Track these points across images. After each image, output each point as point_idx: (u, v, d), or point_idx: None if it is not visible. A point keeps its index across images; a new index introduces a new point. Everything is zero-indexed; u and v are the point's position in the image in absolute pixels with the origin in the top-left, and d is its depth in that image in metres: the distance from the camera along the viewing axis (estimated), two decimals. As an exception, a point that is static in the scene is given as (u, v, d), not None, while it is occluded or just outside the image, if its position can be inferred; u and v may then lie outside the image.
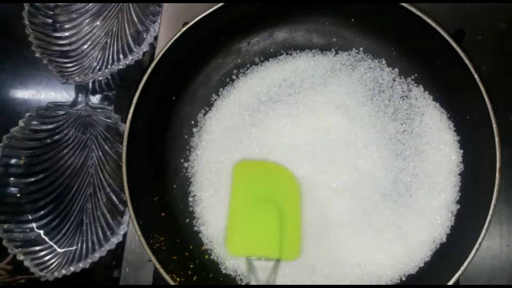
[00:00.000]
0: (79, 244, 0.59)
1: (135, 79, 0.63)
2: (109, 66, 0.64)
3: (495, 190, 0.46)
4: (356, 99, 0.55)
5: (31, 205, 0.60)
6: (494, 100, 0.48)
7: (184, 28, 0.53)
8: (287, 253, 0.50)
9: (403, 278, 0.50)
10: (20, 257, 0.56)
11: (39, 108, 0.63)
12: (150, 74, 0.52)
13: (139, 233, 0.49)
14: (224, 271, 0.53)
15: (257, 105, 0.57)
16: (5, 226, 0.57)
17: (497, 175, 0.46)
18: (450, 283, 0.46)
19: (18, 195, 0.60)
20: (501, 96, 0.51)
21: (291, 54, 0.58)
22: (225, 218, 0.54)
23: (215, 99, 0.58)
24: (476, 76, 0.48)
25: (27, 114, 0.62)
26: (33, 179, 0.61)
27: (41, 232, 0.59)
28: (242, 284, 0.52)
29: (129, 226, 0.57)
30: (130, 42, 0.65)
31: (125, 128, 0.51)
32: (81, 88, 0.65)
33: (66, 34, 0.67)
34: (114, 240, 0.57)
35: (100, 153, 0.62)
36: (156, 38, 0.63)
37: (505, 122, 0.56)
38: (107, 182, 0.61)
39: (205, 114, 0.58)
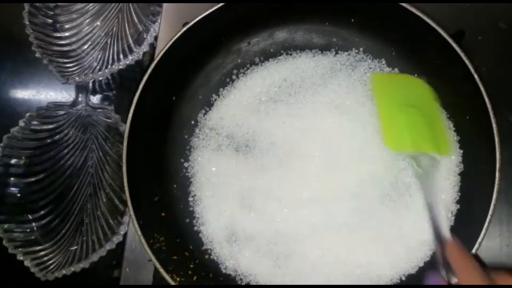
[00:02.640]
0: (79, 244, 0.59)
1: (135, 79, 0.63)
2: (109, 66, 0.64)
3: (495, 190, 0.46)
4: (356, 99, 0.55)
5: (31, 205, 0.60)
6: (494, 100, 0.48)
7: (184, 28, 0.53)
8: (441, 149, 0.51)
9: (403, 278, 0.50)
10: (20, 257, 0.56)
11: (39, 108, 0.63)
12: (150, 74, 0.52)
13: (139, 233, 0.49)
14: (224, 271, 0.53)
15: (257, 105, 0.57)
16: (5, 226, 0.57)
17: (497, 175, 0.46)
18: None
19: (18, 195, 0.60)
20: (501, 96, 0.51)
21: (291, 54, 0.58)
22: (225, 218, 0.54)
23: (215, 99, 0.58)
24: (476, 76, 0.48)
25: (27, 114, 0.62)
26: (33, 179, 0.61)
27: (41, 232, 0.59)
28: (242, 284, 0.53)
29: (129, 226, 0.57)
30: (130, 42, 0.65)
31: (125, 128, 0.51)
32: (81, 88, 0.65)
33: (66, 34, 0.67)
34: (114, 240, 0.57)
35: (100, 153, 0.62)
36: (156, 38, 0.63)
37: (505, 122, 0.56)
38: (107, 182, 0.61)
39: (205, 114, 0.58)
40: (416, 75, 0.56)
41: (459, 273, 0.41)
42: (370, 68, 0.57)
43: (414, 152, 0.50)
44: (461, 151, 0.53)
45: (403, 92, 0.54)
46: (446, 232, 0.45)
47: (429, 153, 0.50)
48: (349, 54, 0.57)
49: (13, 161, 0.61)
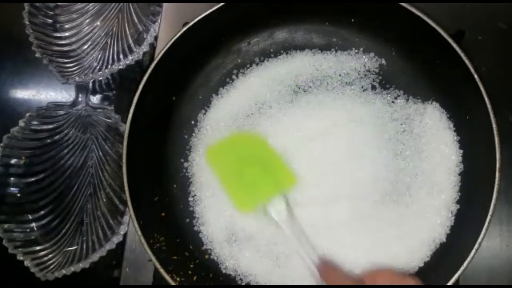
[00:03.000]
0: (79, 244, 0.59)
1: (135, 79, 0.63)
2: (109, 66, 0.64)
3: (495, 190, 0.46)
4: (356, 99, 0.55)
5: (31, 205, 0.60)
6: (494, 100, 0.48)
7: (184, 28, 0.53)
8: (285, 184, 0.53)
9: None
10: (20, 257, 0.56)
11: (39, 108, 0.63)
12: (150, 74, 0.52)
13: (139, 233, 0.49)
14: (224, 271, 0.53)
15: (256, 105, 0.57)
16: (5, 226, 0.57)
17: (497, 175, 0.46)
18: (450, 283, 0.46)
19: (18, 195, 0.60)
20: (501, 96, 0.51)
21: (291, 54, 0.58)
22: (225, 218, 0.54)
23: (215, 99, 0.58)
24: (476, 76, 0.48)
25: (27, 114, 0.62)
26: (33, 179, 0.61)
27: (41, 232, 0.59)
28: (242, 284, 0.53)
29: (129, 226, 0.57)
30: (130, 42, 0.65)
31: (125, 128, 0.51)
32: (81, 88, 0.65)
33: (66, 34, 0.67)
34: (114, 240, 0.57)
35: (100, 153, 0.62)
36: (156, 38, 0.63)
37: (505, 122, 0.56)
38: (107, 182, 0.61)
39: (205, 114, 0.58)
40: (415, 74, 0.56)
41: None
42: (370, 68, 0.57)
43: (265, 203, 0.52)
44: (461, 151, 0.53)
45: (232, 155, 0.55)
46: (314, 257, 0.49)
47: (277, 195, 0.52)
48: (349, 54, 0.57)
49: (13, 161, 0.61)
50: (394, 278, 0.43)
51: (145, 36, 0.64)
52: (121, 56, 0.65)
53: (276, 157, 0.54)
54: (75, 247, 0.59)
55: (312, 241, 0.51)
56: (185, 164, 0.57)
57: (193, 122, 0.58)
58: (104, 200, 0.60)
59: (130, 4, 0.67)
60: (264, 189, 0.52)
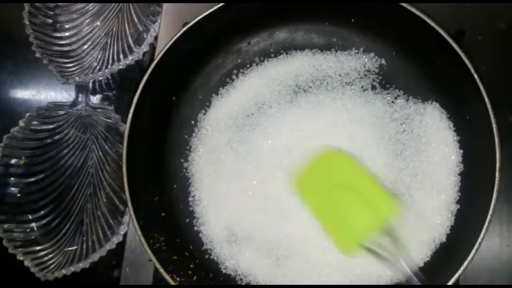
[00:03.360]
0: (79, 244, 0.59)
1: (135, 79, 0.63)
2: (109, 66, 0.64)
3: (495, 190, 0.46)
4: (356, 99, 0.55)
5: (31, 205, 0.60)
6: (494, 100, 0.48)
7: (184, 28, 0.53)
8: (386, 213, 0.47)
9: (403, 278, 0.50)
10: (20, 257, 0.56)
11: (39, 108, 0.63)
12: (150, 74, 0.52)
13: (139, 233, 0.49)
14: (224, 271, 0.53)
15: (256, 105, 0.57)
16: (5, 226, 0.57)
17: (497, 175, 0.46)
18: (450, 283, 0.46)
19: (18, 195, 0.60)
20: (501, 96, 0.51)
21: (291, 54, 0.58)
22: (225, 218, 0.54)
23: (215, 99, 0.58)
24: (476, 76, 0.48)
25: (27, 114, 0.62)
26: (33, 179, 0.61)
27: (41, 232, 0.59)
28: (242, 284, 0.53)
29: (129, 226, 0.57)
30: (130, 42, 0.65)
31: (125, 128, 0.51)
32: (81, 88, 0.65)
33: (66, 34, 0.67)
34: (114, 240, 0.57)
35: (100, 153, 0.62)
36: (156, 38, 0.63)
37: (505, 122, 0.56)
38: (107, 182, 0.61)
39: (205, 114, 0.58)
40: (415, 74, 0.56)
41: None
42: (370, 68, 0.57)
43: (371, 242, 0.47)
44: (461, 151, 0.52)
45: (324, 178, 0.50)
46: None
47: (378, 229, 0.47)
48: (349, 54, 0.57)
49: (13, 161, 0.61)
50: None
51: (145, 36, 0.64)
52: (121, 56, 0.65)
53: (369, 177, 0.49)
54: (75, 247, 0.59)
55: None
56: (185, 164, 0.57)
57: (193, 122, 0.58)
58: (104, 200, 0.60)
59: (130, 4, 0.67)
60: (364, 223, 0.47)
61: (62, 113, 0.64)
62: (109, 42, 0.66)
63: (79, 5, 0.68)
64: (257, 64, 0.59)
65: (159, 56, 0.52)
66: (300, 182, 0.52)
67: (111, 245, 0.57)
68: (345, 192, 0.49)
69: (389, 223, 0.48)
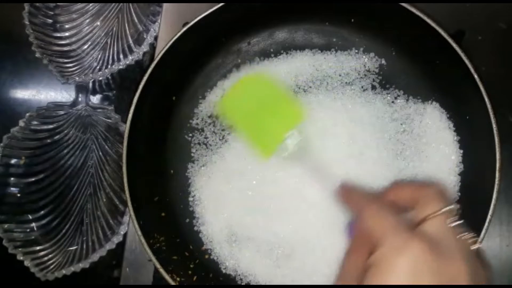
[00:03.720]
0: (79, 244, 0.59)
1: (135, 79, 0.63)
2: (109, 66, 0.64)
3: (495, 190, 0.46)
4: (356, 99, 0.55)
5: (31, 205, 0.60)
6: (494, 100, 0.48)
7: (184, 28, 0.53)
8: (296, 120, 0.52)
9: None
10: (20, 257, 0.56)
11: (39, 108, 0.63)
12: (150, 74, 0.52)
13: (139, 233, 0.49)
14: (224, 271, 0.53)
15: (257, 105, 0.57)
16: (5, 226, 0.57)
17: (497, 175, 0.46)
18: (450, 283, 0.46)
19: (18, 195, 0.60)
20: (501, 96, 0.51)
21: (291, 54, 0.58)
22: (225, 218, 0.54)
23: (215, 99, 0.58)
24: (476, 76, 0.48)
25: (27, 114, 0.62)
26: (33, 179, 0.61)
27: (41, 232, 0.59)
28: (242, 284, 0.53)
29: (129, 226, 0.57)
30: (130, 42, 0.65)
31: (125, 128, 0.51)
32: (81, 88, 0.65)
33: (66, 34, 0.67)
34: (114, 240, 0.57)
35: (100, 153, 0.62)
36: (156, 38, 0.63)
37: (505, 122, 0.56)
38: (107, 182, 0.61)
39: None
40: (415, 74, 0.56)
41: (359, 211, 0.42)
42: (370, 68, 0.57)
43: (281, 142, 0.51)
44: (461, 151, 0.52)
45: (243, 101, 0.54)
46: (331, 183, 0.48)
47: (290, 131, 0.51)
48: (349, 54, 0.57)
49: (13, 161, 0.61)
50: (416, 189, 0.41)
51: (145, 36, 0.64)
52: (121, 56, 0.65)
53: (283, 95, 0.54)
54: (75, 247, 0.59)
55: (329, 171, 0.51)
56: (185, 164, 0.57)
57: (193, 122, 0.58)
58: (104, 200, 0.60)
59: (130, 4, 0.67)
60: (280, 129, 0.52)
61: (62, 113, 0.64)
62: (109, 42, 0.66)
63: (79, 5, 0.68)
64: (257, 64, 0.58)
65: (159, 56, 0.52)
66: (224, 104, 0.56)
67: (111, 245, 0.57)
68: (262, 107, 0.53)
69: (297, 127, 0.52)
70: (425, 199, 0.39)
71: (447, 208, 0.38)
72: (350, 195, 0.46)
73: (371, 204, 0.41)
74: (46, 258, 0.57)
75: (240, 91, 0.55)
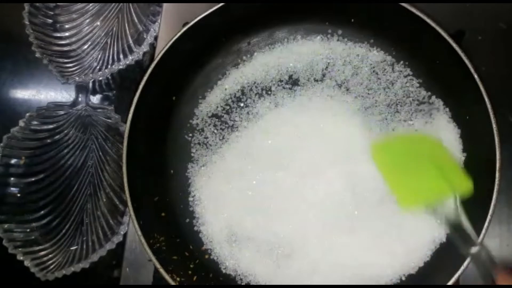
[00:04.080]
0: (79, 244, 0.59)
1: (135, 79, 0.63)
2: (109, 66, 0.64)
3: (495, 190, 0.46)
4: (357, 99, 0.55)
5: (31, 205, 0.60)
6: (494, 100, 0.48)
7: (184, 28, 0.53)
8: (458, 188, 0.48)
9: (403, 278, 0.50)
10: (20, 257, 0.56)
11: (39, 108, 0.63)
12: (150, 74, 0.52)
13: (139, 233, 0.49)
14: (224, 271, 0.53)
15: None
16: (5, 226, 0.57)
17: (497, 175, 0.46)
18: (450, 283, 0.46)
19: (18, 195, 0.60)
20: (501, 96, 0.51)
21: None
22: (225, 218, 0.54)
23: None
24: (476, 76, 0.48)
25: (27, 114, 0.62)
26: (33, 179, 0.61)
27: (41, 232, 0.59)
28: (242, 284, 0.53)
29: (129, 226, 0.57)
30: (130, 42, 0.65)
31: (125, 128, 0.51)
32: (81, 88, 0.65)
33: (66, 34, 0.67)
34: (114, 240, 0.57)
35: (100, 153, 0.62)
36: (156, 38, 0.63)
37: (505, 122, 0.56)
38: (107, 182, 0.61)
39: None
40: (416, 74, 0.56)
41: None
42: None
43: (431, 205, 0.48)
44: (462, 151, 0.52)
45: (400, 152, 0.52)
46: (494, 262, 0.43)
47: (444, 198, 0.47)
48: (348, 55, 0.57)
49: (13, 161, 0.61)
50: None
51: (145, 36, 0.64)
52: (121, 56, 0.65)
53: (449, 159, 0.50)
54: (75, 247, 0.59)
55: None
56: (185, 164, 0.57)
57: (193, 122, 0.58)
58: (104, 200, 0.60)
59: (130, 4, 0.67)
60: (432, 187, 0.48)
61: (62, 113, 0.64)
62: (109, 42, 0.66)
63: (79, 5, 0.68)
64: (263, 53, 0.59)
65: (159, 56, 0.52)
66: (377, 148, 0.52)
67: (111, 245, 0.57)
68: (421, 160, 0.50)
69: (456, 197, 0.47)
70: None
71: None
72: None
73: None
74: (46, 258, 0.57)
75: (399, 142, 0.52)
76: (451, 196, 0.47)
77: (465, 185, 0.48)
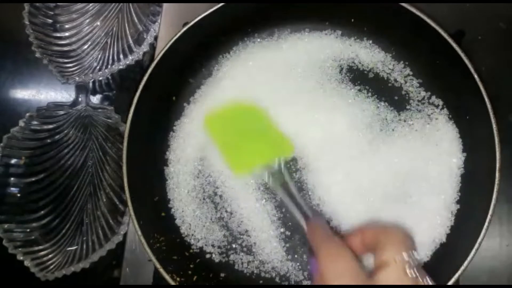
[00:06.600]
0: (79, 244, 0.59)
1: (135, 79, 0.63)
2: (109, 66, 0.64)
3: (495, 190, 0.46)
4: (357, 100, 0.55)
5: (31, 205, 0.60)
6: (494, 100, 0.48)
7: (184, 28, 0.53)
8: (283, 152, 0.53)
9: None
10: (20, 257, 0.56)
11: (39, 108, 0.63)
12: (150, 74, 0.52)
13: (139, 233, 0.49)
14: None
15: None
16: (5, 226, 0.57)
17: (497, 175, 0.46)
18: (450, 283, 0.46)
19: (18, 195, 0.60)
20: (501, 96, 0.51)
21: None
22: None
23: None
24: (476, 76, 0.48)
25: (27, 114, 0.62)
26: (33, 179, 0.61)
27: (41, 232, 0.59)
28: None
29: (129, 226, 0.57)
30: (130, 42, 0.65)
31: (125, 128, 0.51)
32: (81, 88, 0.65)
33: (66, 34, 0.67)
34: (114, 240, 0.57)
35: (100, 153, 0.62)
36: (156, 38, 0.63)
37: (505, 122, 0.56)
38: (107, 182, 0.61)
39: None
40: (416, 74, 0.56)
41: (318, 251, 0.40)
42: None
43: (261, 166, 0.52)
44: (462, 151, 0.52)
45: (230, 123, 0.55)
46: (307, 212, 0.47)
47: (271, 161, 0.52)
48: (348, 55, 0.57)
49: (13, 161, 0.61)
50: (379, 232, 0.40)
51: (145, 36, 0.64)
52: (121, 56, 0.65)
53: (274, 127, 0.54)
54: (75, 247, 0.59)
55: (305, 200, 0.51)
56: (185, 164, 0.57)
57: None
58: (104, 200, 0.60)
59: (130, 4, 0.67)
60: (261, 154, 0.53)
61: (62, 113, 0.64)
62: (109, 42, 0.66)
63: (79, 5, 0.68)
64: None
65: (159, 56, 0.52)
66: (210, 120, 0.55)
67: (111, 245, 0.57)
68: (249, 133, 0.54)
69: (283, 158, 0.53)
70: (384, 243, 0.38)
71: (406, 256, 0.36)
72: (314, 232, 0.44)
73: (329, 244, 0.40)
74: (46, 258, 0.57)
75: (230, 113, 0.55)
76: (276, 159, 0.52)
77: (288, 148, 0.53)
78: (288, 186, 0.50)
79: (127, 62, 0.63)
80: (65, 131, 0.63)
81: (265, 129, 0.54)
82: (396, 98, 0.55)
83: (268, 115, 0.55)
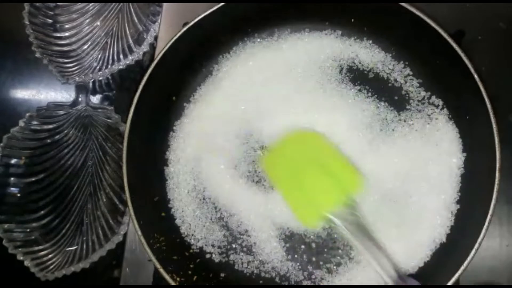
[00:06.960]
0: (79, 244, 0.59)
1: (135, 79, 0.63)
2: (109, 66, 0.64)
3: (495, 190, 0.46)
4: (357, 100, 0.55)
5: (31, 205, 0.60)
6: (494, 100, 0.48)
7: (184, 28, 0.53)
8: (350, 188, 0.49)
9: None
10: (20, 257, 0.56)
11: (39, 108, 0.63)
12: (150, 74, 0.52)
13: (139, 233, 0.49)
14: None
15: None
16: (5, 226, 0.57)
17: (497, 175, 0.46)
18: (450, 283, 0.46)
19: (18, 195, 0.60)
20: (501, 96, 0.51)
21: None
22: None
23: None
24: (476, 76, 0.48)
25: (27, 114, 0.62)
26: (33, 179, 0.61)
27: (41, 232, 0.59)
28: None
29: (129, 226, 0.57)
30: (130, 42, 0.65)
31: (125, 128, 0.51)
32: (81, 88, 0.65)
33: (66, 34, 0.67)
34: (114, 240, 0.57)
35: (100, 153, 0.62)
36: (156, 38, 0.63)
37: (505, 122, 0.56)
38: (107, 182, 0.61)
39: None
40: (416, 74, 0.56)
41: None
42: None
43: (330, 212, 0.48)
44: (462, 152, 0.52)
45: (288, 159, 0.52)
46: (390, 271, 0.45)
47: (341, 203, 0.48)
48: (348, 55, 0.57)
49: (13, 161, 0.61)
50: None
51: (145, 36, 0.64)
52: (121, 56, 0.65)
53: (338, 155, 0.50)
54: (75, 247, 0.59)
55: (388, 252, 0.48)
56: (185, 164, 0.57)
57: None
58: (104, 200, 0.60)
59: (130, 4, 0.67)
60: (329, 195, 0.48)
61: (62, 113, 0.64)
62: (109, 42, 0.66)
63: (79, 5, 0.68)
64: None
65: (159, 56, 0.52)
66: (269, 161, 0.53)
67: (111, 245, 0.57)
68: (311, 168, 0.50)
69: (353, 197, 0.49)
70: None
71: None
72: None
73: None
74: (46, 258, 0.57)
75: (288, 147, 0.51)
76: (345, 196, 0.48)
77: (357, 180, 0.48)
78: (366, 228, 0.46)
79: (127, 62, 0.63)
80: (65, 131, 0.63)
81: (329, 159, 0.50)
82: (396, 98, 0.55)
83: (329, 141, 0.51)
